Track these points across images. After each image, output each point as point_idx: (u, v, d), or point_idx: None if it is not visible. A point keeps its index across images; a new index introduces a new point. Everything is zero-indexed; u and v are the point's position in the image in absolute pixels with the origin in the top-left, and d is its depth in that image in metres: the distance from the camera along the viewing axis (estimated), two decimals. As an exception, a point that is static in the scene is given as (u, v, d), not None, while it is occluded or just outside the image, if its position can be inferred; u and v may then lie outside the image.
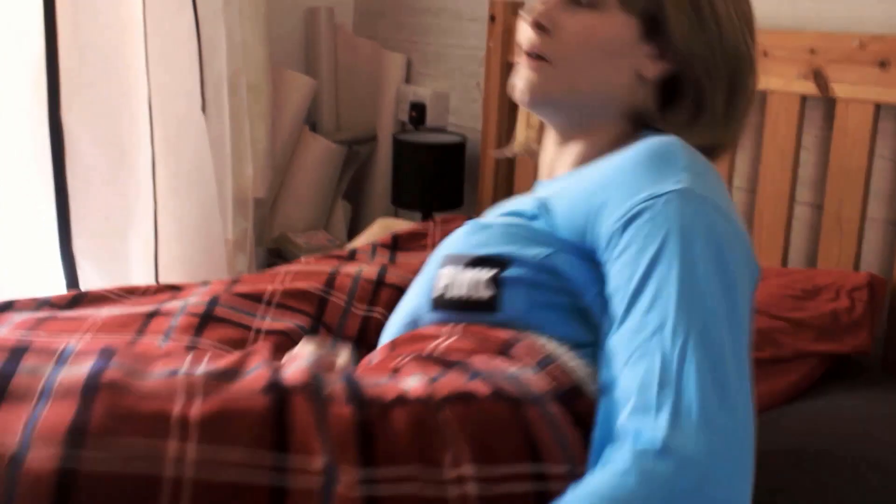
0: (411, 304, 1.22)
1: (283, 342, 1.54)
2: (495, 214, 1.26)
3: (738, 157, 1.98)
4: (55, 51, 2.39)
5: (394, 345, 1.17)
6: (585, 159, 1.23)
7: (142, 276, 2.40)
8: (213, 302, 1.60)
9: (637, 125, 1.23)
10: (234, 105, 2.47)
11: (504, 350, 1.07)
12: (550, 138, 1.29)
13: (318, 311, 1.63)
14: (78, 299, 1.69)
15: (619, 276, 1.02)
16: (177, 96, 2.32)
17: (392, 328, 1.26)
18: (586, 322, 1.08)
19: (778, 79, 1.84)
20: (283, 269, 1.77)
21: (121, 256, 2.45)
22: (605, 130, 1.24)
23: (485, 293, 1.10)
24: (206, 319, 1.56)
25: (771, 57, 1.84)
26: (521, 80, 1.22)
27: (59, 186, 2.45)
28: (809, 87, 1.80)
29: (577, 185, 1.14)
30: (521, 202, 1.22)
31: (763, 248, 1.93)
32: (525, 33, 1.21)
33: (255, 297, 1.63)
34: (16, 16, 2.44)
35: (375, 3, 3.07)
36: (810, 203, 1.90)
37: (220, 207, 2.39)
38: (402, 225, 2.30)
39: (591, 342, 1.07)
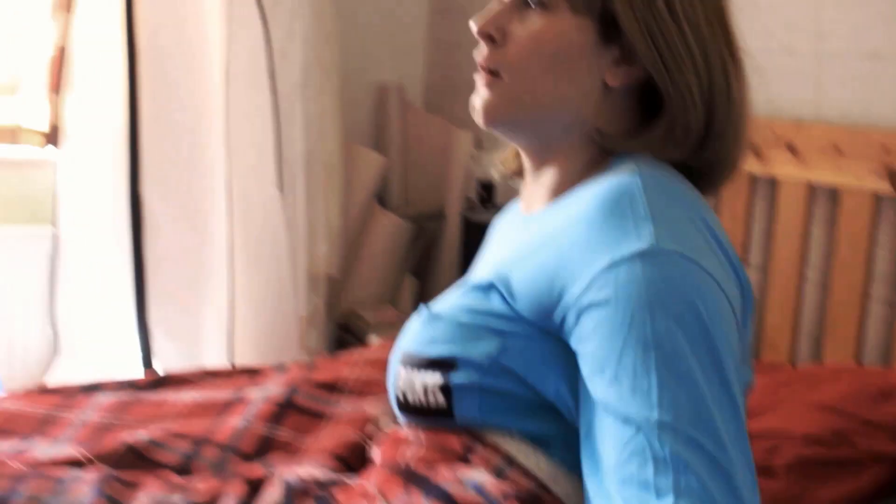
0: (389, 393, 1.18)
1: (359, 424, 1.58)
2: (464, 283, 1.15)
3: (812, 250, 1.99)
4: (136, 127, 2.48)
5: (380, 450, 1.16)
6: (559, 189, 1.13)
7: (215, 350, 2.45)
8: (293, 391, 1.63)
9: (608, 147, 1.11)
10: (309, 183, 2.52)
11: (464, 456, 1.04)
12: (526, 166, 1.18)
13: None
14: (160, 382, 1.74)
15: (592, 362, 0.95)
16: (254, 174, 2.39)
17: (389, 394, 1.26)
18: (551, 413, 1.02)
19: (851, 176, 1.85)
20: (357, 354, 1.80)
21: (195, 329, 2.51)
22: (575, 154, 1.12)
23: (439, 400, 1.05)
24: (285, 408, 1.59)
25: (844, 154, 1.85)
26: (476, 97, 1.11)
27: (136, 258, 2.52)
28: (883, 186, 1.80)
29: (537, 256, 1.04)
30: (485, 269, 1.12)
31: (837, 344, 1.92)
32: (480, 47, 1.11)
33: (332, 387, 1.66)
34: (100, 92, 2.54)
35: (444, 81, 3.13)
36: (885, 300, 1.89)
37: (293, 284, 2.44)
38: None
39: (559, 432, 1.02)
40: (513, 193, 2.83)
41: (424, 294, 3.10)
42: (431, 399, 1.04)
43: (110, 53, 2.50)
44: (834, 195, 1.92)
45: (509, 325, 1.02)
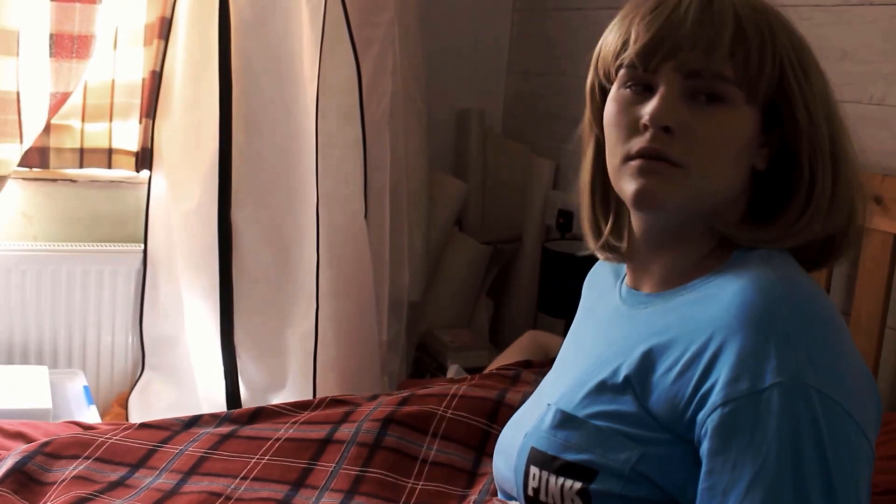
0: (508, 473, 1.22)
1: (446, 475, 1.62)
2: (581, 387, 1.15)
3: (894, 298, 2.00)
4: (229, 154, 2.55)
5: None
6: (673, 274, 1.17)
7: (299, 371, 2.52)
8: (383, 431, 1.67)
9: (736, 240, 1.14)
10: (394, 213, 2.58)
11: None
12: (639, 242, 1.20)
13: (480, 444, 1.70)
14: (257, 414, 1.81)
15: (713, 482, 0.99)
16: (342, 204, 2.44)
17: (500, 481, 1.28)
18: None
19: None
20: (451, 389, 1.84)
21: (278, 352, 2.58)
22: (699, 243, 1.16)
23: None
24: (374, 449, 1.64)
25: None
26: (644, 182, 1.10)
27: (224, 280, 2.59)
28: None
29: (672, 353, 1.07)
30: (610, 357, 1.14)
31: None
32: (641, 133, 1.11)
33: (423, 429, 1.70)
34: (193, 117, 2.61)
35: (525, 108, 3.17)
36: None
37: (376, 311, 2.50)
38: (552, 340, 2.37)
39: None
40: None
41: (498, 315, 3.14)
42: (568, 503, 1.08)
43: (205, 80, 2.57)
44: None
45: (646, 432, 1.06)
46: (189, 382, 2.68)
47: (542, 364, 2.07)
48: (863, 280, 2.03)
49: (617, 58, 1.14)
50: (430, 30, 2.86)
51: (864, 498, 1.00)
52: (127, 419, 2.68)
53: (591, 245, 1.28)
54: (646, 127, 1.10)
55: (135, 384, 2.75)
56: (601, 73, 1.19)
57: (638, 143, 1.10)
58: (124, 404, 2.72)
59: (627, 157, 1.12)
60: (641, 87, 1.13)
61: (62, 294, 2.68)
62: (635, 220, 1.21)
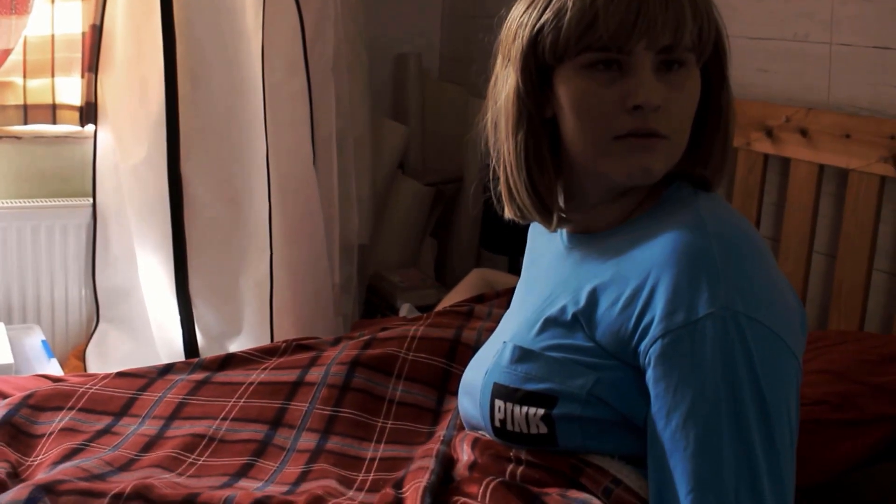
0: (474, 410, 1.31)
1: (413, 414, 1.71)
2: (532, 312, 1.26)
3: (819, 224, 2.13)
4: (175, 107, 2.58)
5: (475, 450, 1.30)
6: (610, 218, 1.25)
7: (254, 318, 2.59)
8: (351, 374, 1.75)
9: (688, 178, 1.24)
10: (342, 159, 2.64)
11: (573, 477, 1.19)
12: (585, 200, 1.26)
13: (442, 383, 1.79)
14: (227, 361, 1.87)
15: (659, 405, 1.09)
16: (291, 153, 2.50)
17: (467, 418, 1.38)
18: (643, 436, 1.14)
19: (859, 160, 1.98)
20: (410, 331, 1.91)
21: (234, 298, 2.64)
22: (639, 191, 1.24)
23: (542, 429, 1.18)
24: (344, 391, 1.72)
25: (853, 139, 1.99)
26: (644, 160, 1.15)
27: (176, 231, 2.64)
28: (889, 170, 1.95)
29: (614, 290, 1.15)
30: (558, 297, 1.23)
31: (842, 312, 2.08)
32: (628, 112, 1.14)
33: (388, 371, 1.78)
34: (137, 71, 2.63)
35: (460, 51, 3.24)
36: (887, 271, 2.04)
37: (328, 255, 2.57)
38: (497, 276, 2.47)
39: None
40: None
41: (443, 255, 3.24)
42: (534, 429, 1.19)
43: (147, 33, 2.59)
44: (843, 177, 2.06)
45: (598, 360, 1.16)
46: (145, 333, 2.74)
47: (492, 297, 2.15)
48: (791, 208, 2.16)
49: (581, 39, 1.14)
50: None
51: (794, 408, 1.12)
52: (85, 370, 2.72)
53: (539, 219, 1.27)
54: (637, 107, 1.13)
55: (91, 337, 2.79)
56: (548, 52, 1.18)
57: (628, 123, 1.14)
58: (81, 357, 2.77)
59: (616, 137, 1.15)
60: (609, 66, 1.15)
61: (13, 251, 2.71)
62: (592, 186, 1.24)
